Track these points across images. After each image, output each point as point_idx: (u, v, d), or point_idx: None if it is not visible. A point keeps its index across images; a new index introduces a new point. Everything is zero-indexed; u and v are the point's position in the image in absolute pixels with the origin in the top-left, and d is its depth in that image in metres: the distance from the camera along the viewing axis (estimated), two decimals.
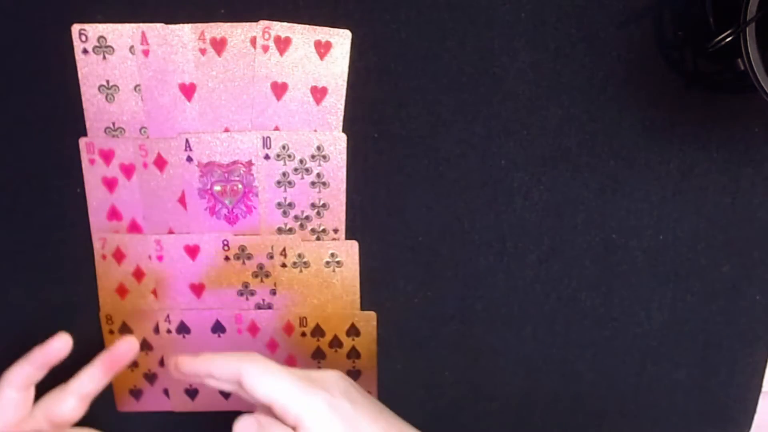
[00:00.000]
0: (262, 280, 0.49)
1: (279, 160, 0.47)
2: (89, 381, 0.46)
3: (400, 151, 0.47)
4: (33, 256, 0.48)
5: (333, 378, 0.41)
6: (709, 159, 0.48)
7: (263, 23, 0.44)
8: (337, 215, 0.48)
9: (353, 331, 0.50)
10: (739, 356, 0.51)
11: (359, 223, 0.48)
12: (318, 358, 0.51)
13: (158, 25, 0.44)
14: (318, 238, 0.48)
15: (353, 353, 0.51)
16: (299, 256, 0.48)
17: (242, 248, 0.48)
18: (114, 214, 0.48)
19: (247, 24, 0.44)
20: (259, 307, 0.50)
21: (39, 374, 0.45)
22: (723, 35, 0.39)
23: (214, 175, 0.47)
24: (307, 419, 0.38)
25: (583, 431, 0.53)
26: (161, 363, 0.51)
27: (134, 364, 0.51)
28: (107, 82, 0.45)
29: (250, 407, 0.52)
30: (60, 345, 0.45)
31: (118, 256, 0.48)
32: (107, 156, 0.46)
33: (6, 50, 0.45)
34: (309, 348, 0.51)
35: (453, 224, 0.48)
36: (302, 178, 0.47)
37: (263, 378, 0.39)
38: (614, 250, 0.49)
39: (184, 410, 0.52)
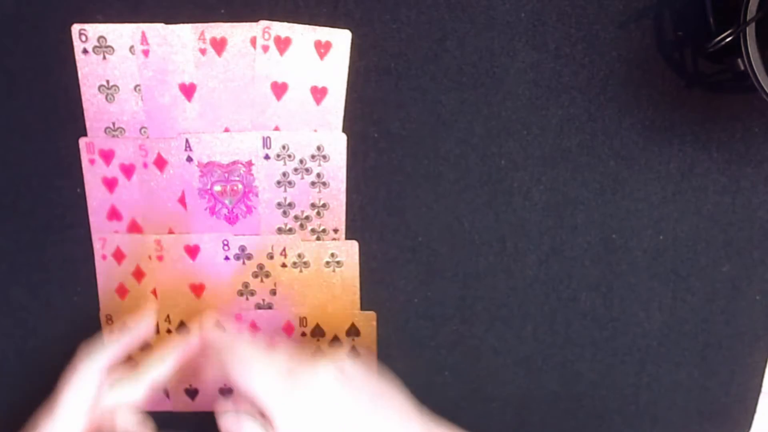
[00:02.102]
0: (262, 280, 0.49)
1: (279, 160, 0.47)
2: (163, 370, 0.44)
3: (400, 151, 0.47)
4: (33, 256, 0.48)
5: (320, 376, 0.39)
6: (709, 159, 0.48)
7: (263, 23, 0.44)
8: (337, 215, 0.48)
9: (353, 331, 0.50)
10: (739, 356, 0.51)
11: (359, 223, 0.48)
12: None
13: (158, 25, 0.44)
14: (318, 238, 0.48)
15: (353, 353, 0.51)
16: (299, 256, 0.48)
17: (242, 248, 0.48)
18: (114, 214, 0.48)
19: (247, 24, 0.44)
20: (259, 307, 0.50)
21: (121, 359, 0.44)
22: (723, 35, 0.39)
23: (214, 175, 0.47)
24: (279, 423, 0.38)
25: (583, 431, 0.53)
26: None
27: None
28: (107, 82, 0.45)
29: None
30: (149, 326, 0.46)
31: (118, 256, 0.48)
32: (107, 156, 0.46)
33: (6, 50, 0.45)
34: (309, 348, 0.51)
35: (453, 224, 0.48)
36: (302, 178, 0.47)
37: (245, 373, 0.39)
38: (614, 250, 0.49)
39: (184, 410, 0.52)
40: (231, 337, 0.44)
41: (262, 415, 0.38)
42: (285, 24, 0.44)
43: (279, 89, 0.45)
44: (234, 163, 0.46)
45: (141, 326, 0.46)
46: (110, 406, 0.43)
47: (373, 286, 0.49)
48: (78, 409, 0.41)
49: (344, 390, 0.40)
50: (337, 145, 0.46)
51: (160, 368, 0.44)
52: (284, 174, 0.47)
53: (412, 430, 0.40)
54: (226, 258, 0.48)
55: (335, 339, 0.50)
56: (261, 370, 0.39)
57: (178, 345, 0.45)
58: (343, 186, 0.47)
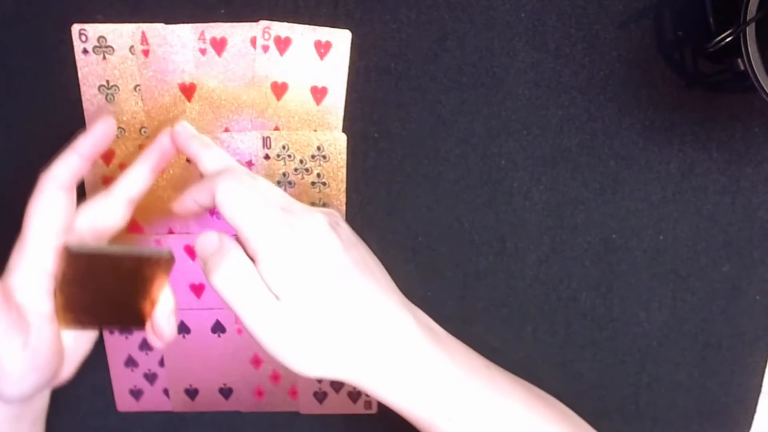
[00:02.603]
0: None
1: (279, 160, 0.47)
2: (137, 182, 0.40)
3: (400, 151, 0.47)
4: None
5: (315, 221, 0.36)
6: (709, 159, 0.48)
7: (263, 23, 0.44)
8: None
9: None
10: (739, 356, 0.51)
11: (359, 223, 0.48)
12: None
13: (158, 25, 0.44)
14: None
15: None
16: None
17: None
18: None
19: (247, 24, 0.44)
20: None
21: (85, 167, 0.38)
22: (723, 35, 0.39)
23: None
24: (263, 257, 0.34)
25: None
26: (161, 363, 0.51)
27: (134, 364, 0.51)
28: (107, 82, 0.45)
29: (249, 407, 0.52)
30: (106, 127, 0.39)
31: None
32: (107, 156, 0.46)
33: (6, 50, 0.45)
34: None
35: (453, 224, 0.48)
36: (302, 178, 0.47)
37: (235, 199, 0.35)
38: (614, 250, 0.49)
39: (184, 410, 0.52)
40: (218, 155, 0.40)
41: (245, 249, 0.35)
42: (285, 24, 0.44)
43: (279, 89, 0.45)
44: None
45: (98, 127, 0.39)
46: (88, 229, 0.39)
47: None
48: (47, 233, 0.37)
49: (335, 242, 0.36)
50: (337, 145, 0.46)
51: (134, 180, 0.40)
52: (284, 174, 0.47)
53: (391, 302, 0.37)
54: None
55: None
56: (251, 199, 0.35)
57: (149, 152, 0.41)
58: (343, 186, 0.47)
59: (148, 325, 0.40)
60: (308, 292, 0.35)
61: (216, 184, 0.36)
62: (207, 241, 0.36)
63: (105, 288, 0.38)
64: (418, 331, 0.36)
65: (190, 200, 0.39)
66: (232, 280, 0.34)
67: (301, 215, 0.36)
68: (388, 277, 0.39)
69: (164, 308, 0.40)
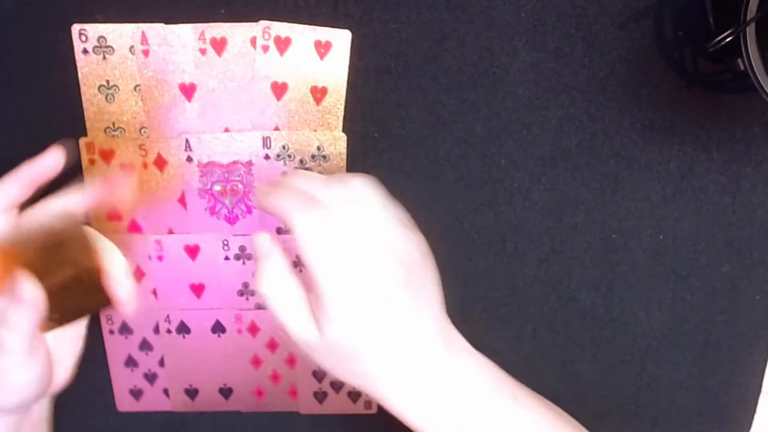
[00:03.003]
0: None
1: (279, 160, 0.47)
2: (6, 196, 0.38)
3: (400, 151, 0.47)
4: None
5: (385, 269, 0.36)
6: (709, 159, 0.48)
7: (263, 23, 0.44)
8: None
9: None
10: (739, 356, 0.51)
11: None
12: None
13: (158, 25, 0.44)
14: None
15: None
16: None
17: (242, 248, 0.48)
18: (114, 214, 0.48)
19: (247, 24, 0.44)
20: (259, 307, 0.50)
21: (26, 194, 0.38)
22: (723, 35, 0.39)
23: (214, 175, 0.47)
24: (328, 298, 0.34)
25: None
26: (161, 363, 0.51)
27: (134, 364, 0.51)
28: (107, 82, 0.45)
29: (249, 407, 0.52)
30: (52, 160, 0.38)
31: None
32: (107, 156, 0.46)
33: (6, 50, 0.45)
34: None
35: (453, 224, 0.48)
36: None
37: (313, 242, 0.35)
38: (614, 250, 0.49)
39: (184, 410, 0.52)
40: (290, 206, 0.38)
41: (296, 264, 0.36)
42: (285, 24, 0.44)
43: (279, 89, 0.45)
44: (234, 163, 0.46)
45: (45, 158, 0.38)
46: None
47: None
48: None
49: (401, 296, 0.36)
50: (337, 145, 0.46)
51: (74, 196, 0.39)
52: (284, 174, 0.47)
53: (429, 325, 0.37)
54: (226, 258, 0.48)
55: None
56: (327, 246, 0.35)
57: (26, 171, 0.38)
58: None
59: (110, 292, 0.39)
60: (355, 335, 0.35)
61: (296, 219, 0.35)
62: (260, 243, 0.37)
63: (46, 275, 0.36)
64: (446, 356, 0.37)
65: (267, 204, 0.38)
66: (275, 292, 0.36)
67: (373, 264, 0.36)
68: (439, 301, 0.39)
69: (114, 270, 0.38)
